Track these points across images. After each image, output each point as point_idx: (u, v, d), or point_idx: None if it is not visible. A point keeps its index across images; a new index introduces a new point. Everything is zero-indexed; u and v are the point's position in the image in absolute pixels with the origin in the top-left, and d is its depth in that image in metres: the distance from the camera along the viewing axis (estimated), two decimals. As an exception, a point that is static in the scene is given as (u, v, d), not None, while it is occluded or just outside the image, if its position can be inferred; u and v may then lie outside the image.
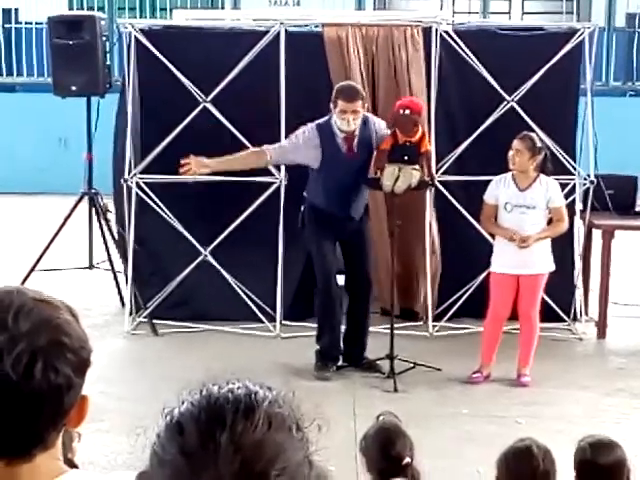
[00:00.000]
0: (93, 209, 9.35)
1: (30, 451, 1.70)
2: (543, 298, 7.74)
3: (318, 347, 7.71)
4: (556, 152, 8.39)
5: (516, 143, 7.37)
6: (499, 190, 7.49)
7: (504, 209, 7.47)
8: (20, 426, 1.67)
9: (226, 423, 1.43)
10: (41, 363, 1.66)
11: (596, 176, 8.76)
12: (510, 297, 7.44)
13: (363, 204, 7.69)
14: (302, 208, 7.62)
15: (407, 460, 3.88)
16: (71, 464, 1.96)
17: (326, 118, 7.51)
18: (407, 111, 7.37)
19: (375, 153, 7.49)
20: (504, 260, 7.45)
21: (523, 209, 7.41)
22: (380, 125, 7.58)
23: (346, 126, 7.39)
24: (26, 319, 1.69)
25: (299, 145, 7.47)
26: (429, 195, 8.53)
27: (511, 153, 7.37)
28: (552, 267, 7.50)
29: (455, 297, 8.75)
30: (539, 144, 7.39)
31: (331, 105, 7.41)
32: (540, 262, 7.43)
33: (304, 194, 7.63)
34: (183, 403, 1.49)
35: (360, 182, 7.54)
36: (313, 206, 7.56)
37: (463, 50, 8.47)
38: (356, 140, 7.49)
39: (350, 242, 7.62)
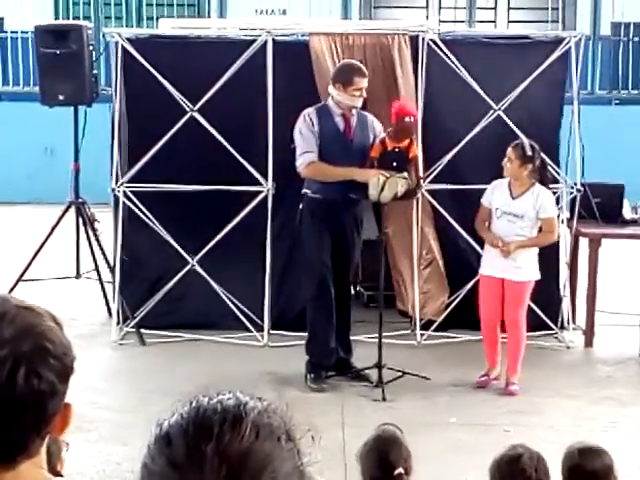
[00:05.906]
0: (80, 218, 9.33)
1: (14, 458, 1.69)
2: (530, 306, 7.74)
3: (309, 357, 7.62)
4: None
5: (509, 151, 7.43)
6: (494, 195, 7.53)
7: (495, 214, 7.51)
8: (3, 433, 1.66)
9: (213, 433, 1.42)
10: (24, 369, 1.66)
11: (583, 184, 8.78)
12: (498, 301, 7.45)
13: (360, 189, 7.45)
14: (300, 206, 7.55)
15: (399, 470, 3.83)
16: (56, 474, 1.95)
17: (320, 104, 7.58)
18: (412, 119, 7.41)
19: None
20: (491, 263, 7.50)
21: (511, 217, 7.43)
22: (379, 127, 7.60)
23: (357, 102, 7.45)
24: (9, 326, 1.69)
25: (311, 131, 7.46)
26: (417, 202, 8.52)
27: (505, 160, 7.42)
28: (537, 276, 7.52)
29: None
30: (529, 153, 7.38)
31: (338, 85, 7.43)
32: (525, 270, 7.43)
33: (303, 191, 7.55)
34: (174, 414, 1.48)
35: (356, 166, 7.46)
36: (312, 201, 7.46)
37: (450, 59, 8.48)
38: (354, 122, 7.52)
39: (342, 240, 7.50)
